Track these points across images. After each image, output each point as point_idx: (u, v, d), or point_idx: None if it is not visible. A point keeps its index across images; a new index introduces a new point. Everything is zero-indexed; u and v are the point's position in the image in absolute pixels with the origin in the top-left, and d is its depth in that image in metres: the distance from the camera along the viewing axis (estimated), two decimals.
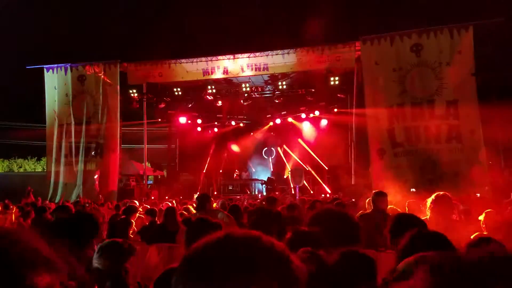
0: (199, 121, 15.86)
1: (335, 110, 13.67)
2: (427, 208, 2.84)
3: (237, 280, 0.53)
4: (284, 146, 15.99)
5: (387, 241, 2.00)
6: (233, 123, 16.60)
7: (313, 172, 14.03)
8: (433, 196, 2.86)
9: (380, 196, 3.69)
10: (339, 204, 4.52)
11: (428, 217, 2.85)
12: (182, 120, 15.54)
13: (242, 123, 16.88)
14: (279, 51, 11.64)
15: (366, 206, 4.35)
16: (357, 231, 1.77)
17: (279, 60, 11.73)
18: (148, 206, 6.26)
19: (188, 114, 15.52)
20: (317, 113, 14.30)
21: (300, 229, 1.57)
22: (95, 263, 1.72)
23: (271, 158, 17.08)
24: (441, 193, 2.89)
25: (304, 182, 12.53)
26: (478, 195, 8.24)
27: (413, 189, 9.24)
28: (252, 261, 0.55)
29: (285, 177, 14.43)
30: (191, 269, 0.57)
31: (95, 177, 11.90)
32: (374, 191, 3.80)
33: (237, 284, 0.53)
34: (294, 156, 15.21)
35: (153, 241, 4.12)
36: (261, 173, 16.36)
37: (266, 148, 17.12)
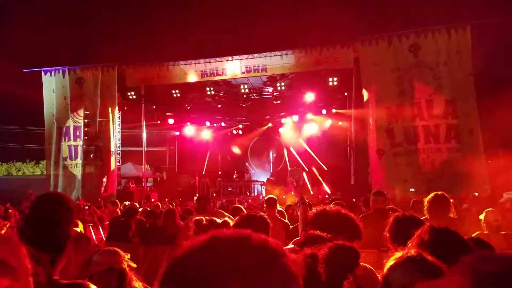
0: (197, 123, 15.88)
1: (334, 110, 13.71)
2: (425, 208, 2.87)
3: (229, 282, 0.50)
4: (291, 148, 15.97)
5: (387, 241, 2.01)
6: (232, 124, 16.62)
7: (316, 172, 14.04)
8: (431, 195, 2.88)
9: (379, 196, 3.70)
10: (339, 204, 4.53)
11: (427, 216, 2.86)
12: (181, 122, 15.55)
13: (241, 124, 16.90)
14: (277, 52, 11.68)
15: (362, 207, 4.36)
16: (356, 229, 1.79)
17: (278, 61, 11.76)
18: (148, 209, 6.26)
19: (187, 116, 15.53)
20: (316, 113, 14.34)
21: (312, 232, 1.60)
22: (96, 264, 1.71)
23: (270, 159, 17.10)
24: (439, 192, 2.91)
25: (307, 181, 12.53)
26: (476, 194, 8.28)
27: (412, 189, 9.27)
28: (243, 261, 0.52)
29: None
30: (177, 274, 0.53)
31: (104, 179, 11.91)
32: (372, 191, 3.81)
33: (230, 286, 0.50)
34: (297, 157, 15.22)
35: (153, 243, 4.13)
36: (260, 174, 16.37)
37: (265, 149, 17.13)
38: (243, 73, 12.20)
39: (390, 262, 1.22)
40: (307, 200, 2.71)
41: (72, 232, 1.39)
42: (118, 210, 5.80)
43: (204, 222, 2.31)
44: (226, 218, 2.61)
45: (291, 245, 1.81)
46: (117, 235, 4.61)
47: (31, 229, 1.31)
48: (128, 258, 1.77)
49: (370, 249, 2.78)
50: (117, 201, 6.10)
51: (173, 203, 8.24)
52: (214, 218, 2.39)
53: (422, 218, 2.45)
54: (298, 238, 1.96)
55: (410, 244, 1.51)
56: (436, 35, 10.14)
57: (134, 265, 1.73)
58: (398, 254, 1.22)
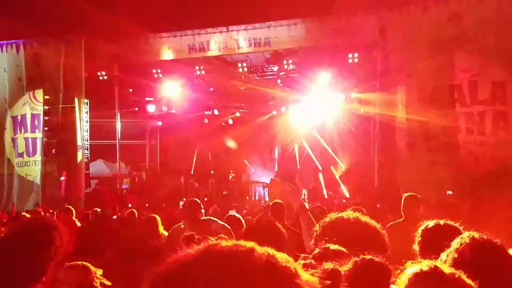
0: (185, 110, 15.89)
1: (354, 95, 13.68)
2: (465, 215, 2.91)
3: None
4: (303, 140, 15.95)
5: (418, 253, 2.05)
6: (227, 112, 16.65)
7: (334, 171, 14.09)
8: (472, 200, 2.92)
9: (413, 201, 3.73)
10: (359, 210, 4.58)
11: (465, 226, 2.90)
12: (164, 109, 15.56)
13: (239, 112, 16.92)
14: (284, 22, 11.64)
15: (389, 214, 4.41)
16: (379, 241, 1.82)
17: (284, 33, 11.74)
18: (124, 217, 6.33)
19: (171, 102, 15.53)
20: (331, 98, 14.31)
21: (329, 247, 1.63)
22: (62, 282, 1.76)
23: (275, 156, 17.15)
24: (482, 196, 2.95)
25: (322, 183, 12.60)
26: None
27: (450, 192, 9.33)
28: (243, 283, 0.52)
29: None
30: None
31: (62, 179, 12.00)
32: (405, 195, 3.85)
33: None
34: (310, 152, 15.23)
35: (131, 257, 4.19)
36: (263, 174, 16.45)
37: (268, 143, 17.17)
38: (241, 48, 12.18)
39: (402, 280, 1.23)
40: (318, 205, 2.74)
41: (54, 258, 1.53)
42: (74, 218, 5.84)
43: (196, 240, 2.36)
44: (217, 227, 2.64)
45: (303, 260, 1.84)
46: (87, 247, 4.68)
47: (8, 257, 1.49)
48: (100, 275, 1.81)
49: (399, 265, 2.83)
50: (71, 207, 6.07)
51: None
52: (208, 237, 2.43)
53: (460, 227, 2.49)
54: (314, 251, 2.00)
55: (444, 259, 1.54)
56: (483, 0, 10.08)
57: (108, 283, 1.77)
58: (411, 269, 1.24)
